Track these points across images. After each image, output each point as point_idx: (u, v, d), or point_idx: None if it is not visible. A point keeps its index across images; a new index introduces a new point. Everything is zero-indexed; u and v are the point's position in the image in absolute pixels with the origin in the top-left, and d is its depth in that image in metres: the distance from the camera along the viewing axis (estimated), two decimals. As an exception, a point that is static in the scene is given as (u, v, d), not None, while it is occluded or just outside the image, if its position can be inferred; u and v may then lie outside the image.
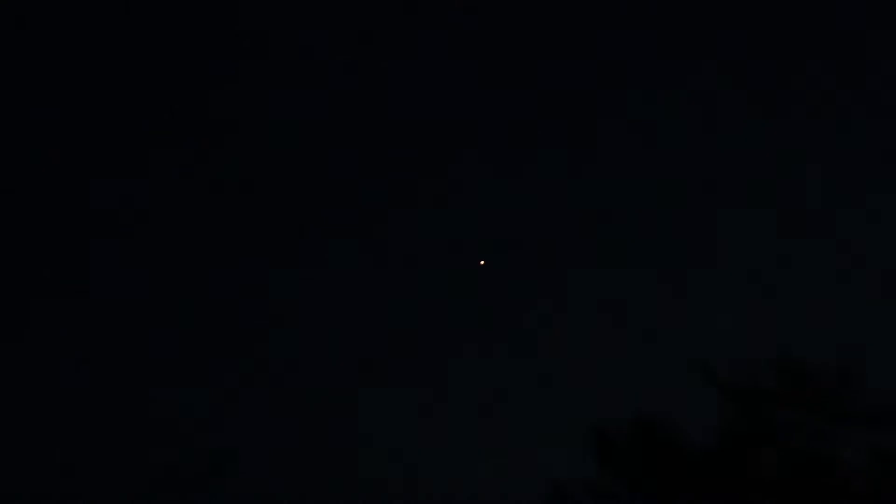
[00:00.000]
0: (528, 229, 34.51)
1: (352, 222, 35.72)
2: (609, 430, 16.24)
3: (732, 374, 16.00)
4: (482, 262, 29.61)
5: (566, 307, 31.62)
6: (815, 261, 30.03)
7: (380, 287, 32.31)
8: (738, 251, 30.91)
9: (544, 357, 29.14)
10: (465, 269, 33.97)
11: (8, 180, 34.66)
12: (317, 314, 30.88)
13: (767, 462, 15.68)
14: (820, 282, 28.69)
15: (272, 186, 36.03)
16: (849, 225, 29.97)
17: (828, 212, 32.91)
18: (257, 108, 37.82)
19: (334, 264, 33.36)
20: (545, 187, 35.44)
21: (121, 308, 32.99)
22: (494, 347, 30.81)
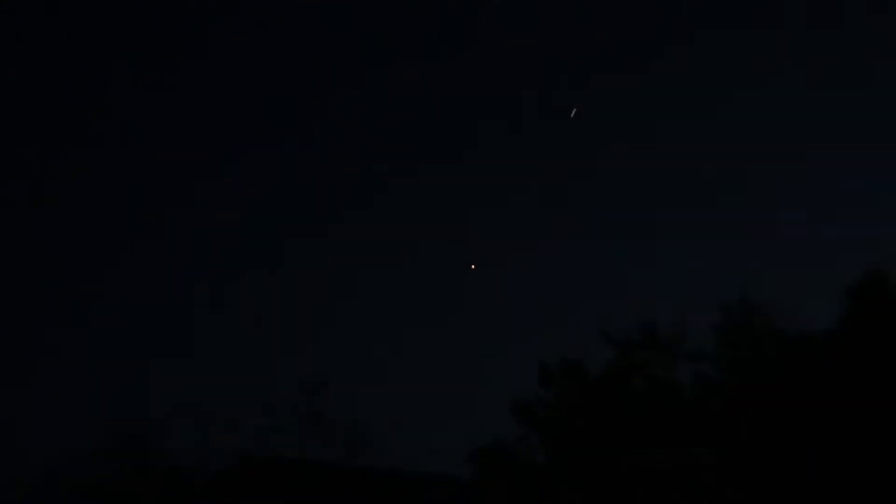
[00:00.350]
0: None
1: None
2: (549, 365, 26.63)
3: (617, 332, 26.50)
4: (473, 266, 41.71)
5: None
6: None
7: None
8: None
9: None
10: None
11: None
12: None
13: (637, 386, 26.11)
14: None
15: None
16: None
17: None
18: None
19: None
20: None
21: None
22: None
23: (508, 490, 26.28)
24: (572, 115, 41.16)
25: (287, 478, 21.73)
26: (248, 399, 27.63)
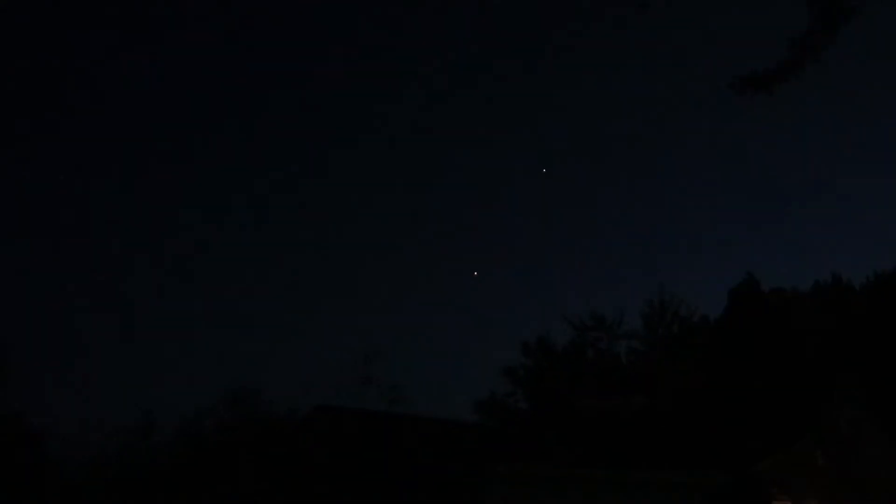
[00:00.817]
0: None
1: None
2: (528, 342, 39.08)
3: (574, 318, 39.16)
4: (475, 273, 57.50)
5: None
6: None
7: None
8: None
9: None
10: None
11: None
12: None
13: (589, 355, 38.67)
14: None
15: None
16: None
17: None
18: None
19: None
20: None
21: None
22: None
23: (501, 429, 38.27)
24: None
25: (349, 422, 29.35)
26: (322, 365, 38.93)
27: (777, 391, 35.18)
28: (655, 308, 39.12)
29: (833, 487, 33.95)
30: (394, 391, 31.05)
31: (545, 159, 71.01)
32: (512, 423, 39.65)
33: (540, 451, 35.55)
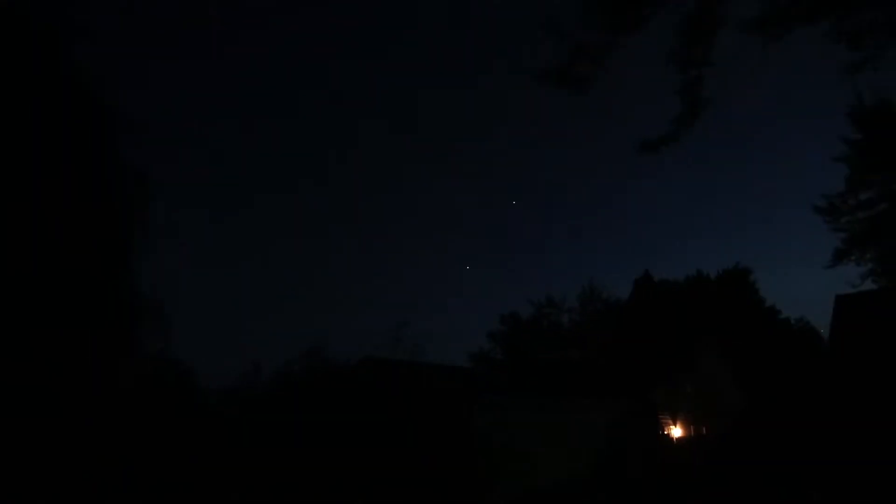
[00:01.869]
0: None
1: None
2: (504, 314, 57.23)
3: (534, 300, 57.36)
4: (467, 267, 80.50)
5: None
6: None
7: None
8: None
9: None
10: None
11: None
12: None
13: (544, 325, 57.25)
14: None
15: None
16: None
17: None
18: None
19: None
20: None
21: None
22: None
23: (486, 372, 56.26)
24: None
25: (385, 368, 31.80)
26: (367, 331, 56.54)
27: (664, 346, 47.99)
28: (587, 292, 57.32)
29: (697, 409, 46.11)
30: (415, 347, 32.16)
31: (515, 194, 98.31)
32: (493, 368, 55.09)
33: (511, 386, 47.91)
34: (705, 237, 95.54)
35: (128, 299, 16.42)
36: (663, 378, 44.56)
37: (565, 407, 36.92)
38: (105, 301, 15.59)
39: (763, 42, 15.03)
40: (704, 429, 45.52)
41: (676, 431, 45.41)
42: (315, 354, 29.06)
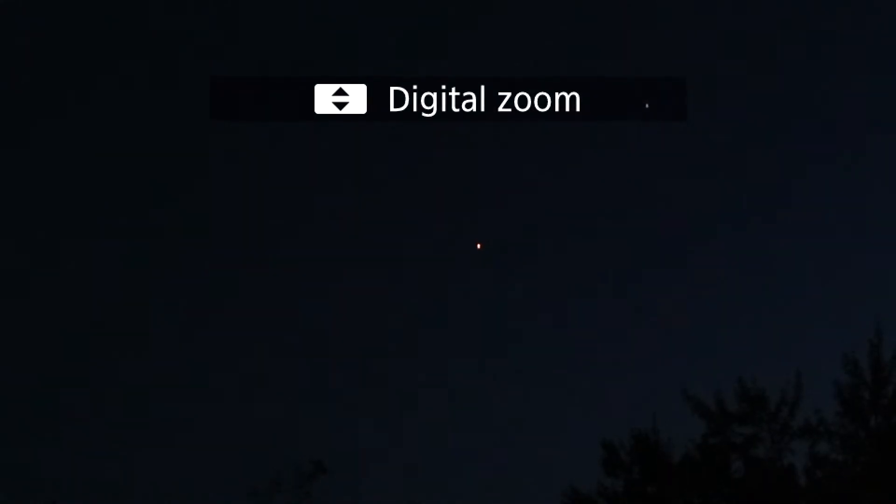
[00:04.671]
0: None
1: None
2: (614, 444, 20.97)
3: (706, 400, 20.71)
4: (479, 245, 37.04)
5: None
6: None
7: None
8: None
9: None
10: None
11: None
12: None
13: (736, 468, 20.35)
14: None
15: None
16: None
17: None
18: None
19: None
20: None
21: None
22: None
23: None
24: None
25: None
26: None
27: None
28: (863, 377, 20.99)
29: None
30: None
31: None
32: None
33: None
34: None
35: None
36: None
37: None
38: None
39: None
40: None
41: None
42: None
